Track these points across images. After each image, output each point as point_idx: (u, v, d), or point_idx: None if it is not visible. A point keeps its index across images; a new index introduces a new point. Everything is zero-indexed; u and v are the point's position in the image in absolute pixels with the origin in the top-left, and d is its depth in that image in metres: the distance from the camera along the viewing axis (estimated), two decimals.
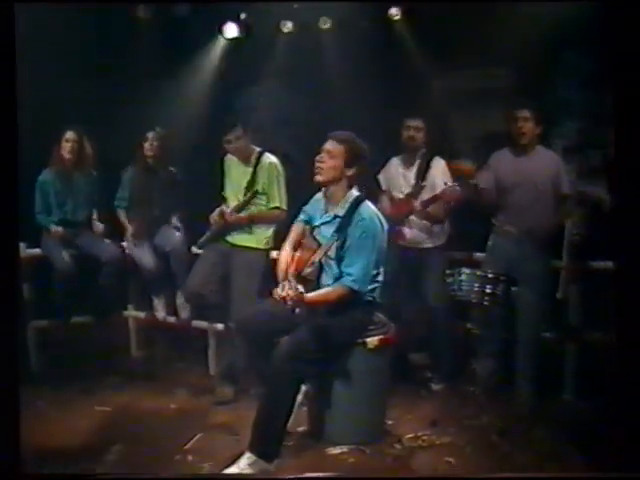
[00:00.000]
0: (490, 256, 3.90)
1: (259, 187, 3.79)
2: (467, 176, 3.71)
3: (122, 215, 4.39)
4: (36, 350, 4.30)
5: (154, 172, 4.33)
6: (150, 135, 4.27)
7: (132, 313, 4.66)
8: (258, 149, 3.85)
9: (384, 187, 4.16)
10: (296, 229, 3.35)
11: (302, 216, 3.36)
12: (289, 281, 2.80)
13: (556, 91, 4.81)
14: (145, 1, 5.15)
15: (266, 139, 4.27)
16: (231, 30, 5.93)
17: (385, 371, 3.33)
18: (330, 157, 3.02)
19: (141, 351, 4.73)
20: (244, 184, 3.82)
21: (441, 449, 3.25)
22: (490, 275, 3.51)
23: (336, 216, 3.09)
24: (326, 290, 3.02)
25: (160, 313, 4.38)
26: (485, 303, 3.50)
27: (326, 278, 3.12)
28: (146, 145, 4.27)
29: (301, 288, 2.75)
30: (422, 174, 4.02)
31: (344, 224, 3.04)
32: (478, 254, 4.07)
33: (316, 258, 3.05)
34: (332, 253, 3.06)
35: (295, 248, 3.27)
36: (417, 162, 4.04)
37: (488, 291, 3.49)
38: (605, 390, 3.68)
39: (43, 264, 4.28)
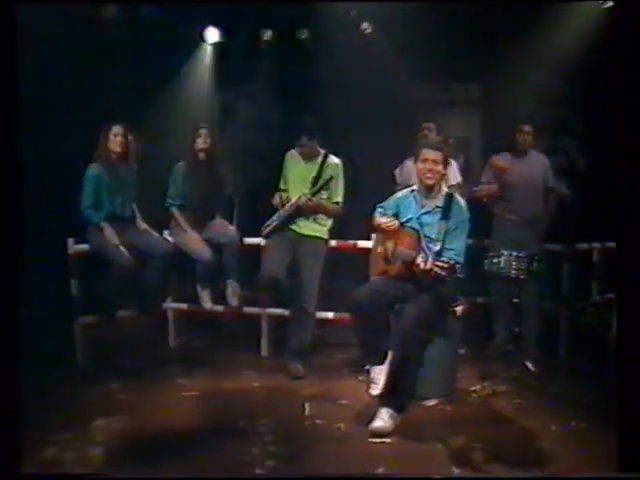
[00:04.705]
0: (497, 240, 4.72)
1: (325, 181, 4.24)
2: (501, 172, 4.51)
3: (177, 213, 4.47)
4: (84, 346, 4.34)
5: (206, 167, 4.48)
6: (203, 132, 4.44)
7: (172, 305, 4.81)
8: (323, 151, 4.30)
9: (398, 181, 4.90)
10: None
11: (381, 210, 3.89)
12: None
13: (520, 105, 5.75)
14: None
15: None
16: (212, 35, 6.24)
17: (459, 335, 4.02)
18: (436, 164, 3.64)
19: (179, 340, 4.92)
20: (309, 178, 4.25)
21: (505, 395, 4.02)
22: (522, 254, 4.35)
23: (437, 206, 3.70)
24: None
25: (208, 304, 4.56)
26: (522, 277, 4.34)
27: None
28: (199, 141, 4.43)
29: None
30: None
31: (445, 212, 3.65)
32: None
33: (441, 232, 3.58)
34: (434, 235, 3.64)
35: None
36: None
37: (523, 267, 4.32)
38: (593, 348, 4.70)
39: (89, 260, 4.33)
